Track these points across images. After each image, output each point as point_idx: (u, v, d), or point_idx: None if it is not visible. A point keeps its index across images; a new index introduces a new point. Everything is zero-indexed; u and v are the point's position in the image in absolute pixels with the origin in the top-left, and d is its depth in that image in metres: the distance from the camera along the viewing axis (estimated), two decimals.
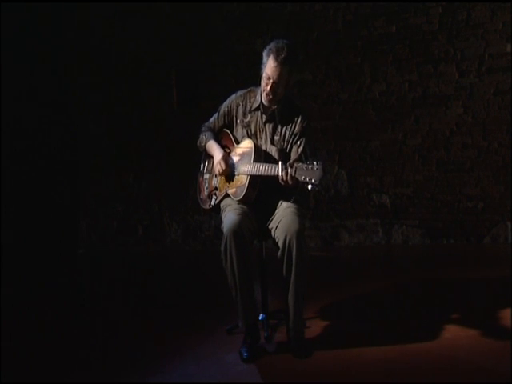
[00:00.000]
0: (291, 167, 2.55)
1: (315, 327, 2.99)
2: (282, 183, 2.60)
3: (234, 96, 2.99)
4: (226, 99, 3.03)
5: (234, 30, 5.74)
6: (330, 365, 2.53)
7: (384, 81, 5.41)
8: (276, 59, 2.68)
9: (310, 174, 2.47)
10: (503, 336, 2.72)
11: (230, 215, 2.72)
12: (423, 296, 3.71)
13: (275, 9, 5.65)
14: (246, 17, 5.70)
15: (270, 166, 2.67)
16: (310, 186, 2.50)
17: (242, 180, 2.82)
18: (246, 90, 2.96)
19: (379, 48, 5.40)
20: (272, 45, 2.74)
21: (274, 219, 2.76)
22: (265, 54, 2.76)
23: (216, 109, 3.09)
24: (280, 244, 2.67)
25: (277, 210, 2.78)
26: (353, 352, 2.64)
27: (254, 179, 2.77)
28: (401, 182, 5.40)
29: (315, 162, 2.47)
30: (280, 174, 2.58)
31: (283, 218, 2.70)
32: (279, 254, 2.68)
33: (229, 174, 2.90)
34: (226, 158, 2.90)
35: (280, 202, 2.80)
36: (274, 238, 2.75)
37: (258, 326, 2.80)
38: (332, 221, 5.59)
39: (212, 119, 3.09)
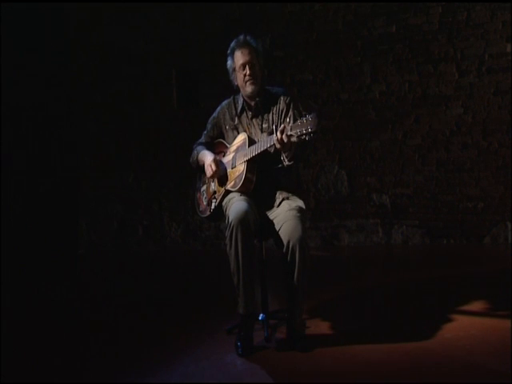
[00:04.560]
0: (286, 127, 2.56)
1: (315, 327, 2.98)
2: (280, 145, 2.58)
3: (219, 107, 3.09)
4: (225, 99, 3.09)
5: (233, 30, 5.72)
6: (330, 365, 2.52)
7: (384, 81, 5.41)
8: (238, 46, 2.94)
9: (305, 125, 2.47)
10: (503, 336, 2.72)
11: (235, 205, 2.72)
12: (423, 296, 3.70)
13: (275, 9, 5.65)
14: (246, 17, 5.70)
15: (266, 138, 2.72)
16: (307, 137, 2.48)
17: (239, 169, 2.83)
18: (229, 99, 3.07)
19: (379, 48, 5.40)
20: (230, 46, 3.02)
21: (276, 220, 2.74)
22: (229, 59, 3.02)
23: (215, 110, 3.11)
24: (283, 249, 2.66)
25: (278, 210, 2.77)
26: (353, 352, 2.64)
27: (250, 164, 2.77)
28: (401, 182, 5.40)
29: (307, 115, 2.48)
30: (277, 136, 2.58)
31: (286, 221, 2.68)
32: (282, 257, 2.67)
33: (223, 173, 2.91)
34: (216, 159, 2.92)
35: (280, 197, 2.80)
36: (275, 236, 2.74)
37: (253, 319, 2.79)
38: (332, 221, 5.59)
39: (203, 136, 3.15)
